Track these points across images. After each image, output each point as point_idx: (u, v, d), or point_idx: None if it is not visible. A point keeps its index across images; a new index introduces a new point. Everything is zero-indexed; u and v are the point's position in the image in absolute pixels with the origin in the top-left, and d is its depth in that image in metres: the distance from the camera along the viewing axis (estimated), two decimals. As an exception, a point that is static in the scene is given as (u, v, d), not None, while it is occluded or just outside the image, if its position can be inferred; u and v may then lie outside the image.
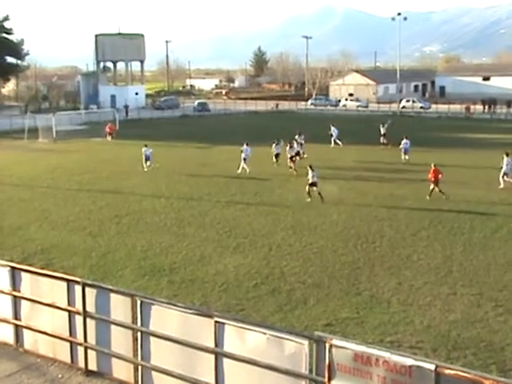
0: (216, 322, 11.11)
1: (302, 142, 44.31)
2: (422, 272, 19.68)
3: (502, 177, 32.69)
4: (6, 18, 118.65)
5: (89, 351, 13.11)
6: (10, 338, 14.45)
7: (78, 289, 12.99)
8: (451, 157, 44.20)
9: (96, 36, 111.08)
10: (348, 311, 16.56)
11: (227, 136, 58.10)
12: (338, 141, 50.89)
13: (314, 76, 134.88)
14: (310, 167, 30.47)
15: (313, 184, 30.12)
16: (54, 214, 28.49)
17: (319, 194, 30.02)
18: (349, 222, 26.22)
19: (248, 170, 37.89)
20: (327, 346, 9.89)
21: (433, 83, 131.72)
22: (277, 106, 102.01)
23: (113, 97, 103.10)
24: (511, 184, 32.28)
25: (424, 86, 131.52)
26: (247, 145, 38.94)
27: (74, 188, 35.02)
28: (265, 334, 10.54)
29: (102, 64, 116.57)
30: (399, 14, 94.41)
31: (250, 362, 10.72)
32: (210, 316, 11.33)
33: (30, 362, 13.72)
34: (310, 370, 10.18)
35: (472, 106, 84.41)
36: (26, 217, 28.03)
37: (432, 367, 8.97)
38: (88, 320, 12.97)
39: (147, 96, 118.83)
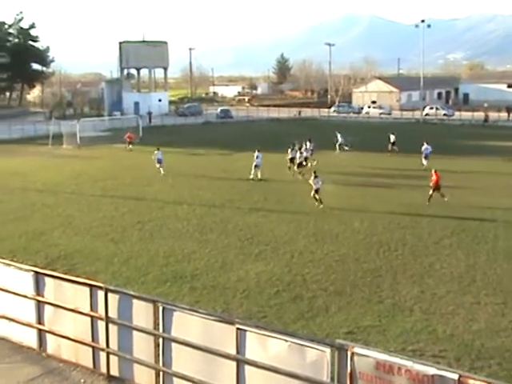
0: (238, 328, 11.11)
1: (312, 148, 44.58)
2: (445, 280, 19.51)
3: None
4: (33, 26, 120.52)
5: (111, 356, 13.17)
6: (33, 343, 14.56)
7: (100, 294, 13.07)
8: (474, 164, 43.86)
9: (120, 43, 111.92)
10: (370, 319, 16.46)
11: (249, 143, 58.00)
12: (344, 147, 51.90)
13: (337, 83, 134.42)
14: (315, 173, 30.91)
15: (317, 191, 30.52)
16: (77, 220, 28.70)
17: (319, 199, 30.44)
18: (371, 229, 26.10)
19: (259, 176, 38.15)
20: (349, 353, 9.84)
21: (456, 90, 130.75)
22: (299, 113, 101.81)
23: (136, 103, 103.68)
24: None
25: (447, 93, 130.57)
26: (259, 151, 39.10)
27: (97, 194, 35.26)
28: (286, 341, 10.51)
29: (125, 71, 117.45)
30: (423, 21, 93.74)
31: (272, 370, 10.69)
32: (232, 323, 11.33)
33: (53, 367, 13.81)
34: (332, 378, 10.12)
35: (489, 113, 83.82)
36: (49, 222, 28.28)
37: (455, 377, 8.87)
38: (110, 325, 13.04)
39: (170, 103, 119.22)
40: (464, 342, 15.00)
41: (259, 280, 19.76)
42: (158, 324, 12.26)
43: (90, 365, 13.53)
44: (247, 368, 11.10)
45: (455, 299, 17.86)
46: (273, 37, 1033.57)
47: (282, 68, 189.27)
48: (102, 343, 13.22)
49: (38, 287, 14.19)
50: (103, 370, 13.29)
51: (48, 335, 14.33)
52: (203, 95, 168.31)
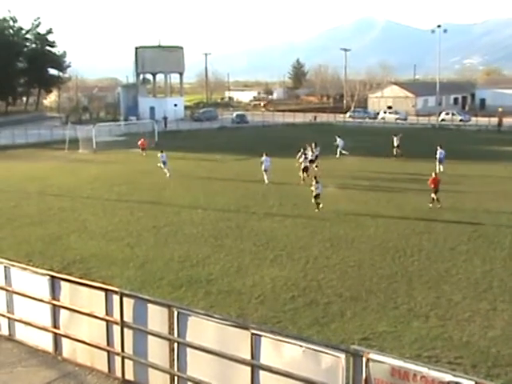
0: (252, 334, 11.10)
1: (317, 153, 44.71)
2: (461, 287, 19.40)
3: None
4: (50, 31, 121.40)
5: (126, 361, 13.21)
6: (49, 346, 14.65)
7: (115, 298, 13.12)
8: (490, 169, 43.56)
9: (136, 48, 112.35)
10: (385, 325, 16.40)
11: (265, 148, 58.01)
12: (343, 151, 52.35)
13: (353, 88, 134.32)
14: (315, 179, 31.13)
15: (317, 196, 30.71)
16: (93, 224, 28.84)
17: (317, 203, 30.69)
18: (386, 235, 26.01)
19: (267, 181, 38.24)
20: (364, 359, 9.80)
21: (473, 96, 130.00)
22: (315, 118, 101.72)
23: (152, 108, 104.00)
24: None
25: (464, 98, 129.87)
26: (266, 155, 39.10)
27: (112, 198, 35.41)
28: (301, 346, 10.49)
29: (141, 76, 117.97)
30: (439, 26, 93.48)
31: (286, 375, 10.67)
32: (247, 328, 11.33)
33: (68, 371, 13.88)
34: (347, 384, 10.10)
35: (503, 118, 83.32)
36: (65, 226, 28.44)
37: (471, 384, 8.83)
38: (125, 330, 13.08)
39: (186, 108, 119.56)
40: (480, 348, 14.90)
41: (274, 285, 19.74)
42: (173, 329, 12.28)
43: (105, 369, 13.58)
44: (262, 373, 11.09)
45: (471, 305, 17.75)
46: (288, 41, 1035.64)
47: (298, 73, 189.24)
48: (117, 347, 13.27)
49: (54, 291, 14.27)
50: (118, 374, 13.34)
51: (64, 339, 14.40)
52: (219, 100, 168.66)
